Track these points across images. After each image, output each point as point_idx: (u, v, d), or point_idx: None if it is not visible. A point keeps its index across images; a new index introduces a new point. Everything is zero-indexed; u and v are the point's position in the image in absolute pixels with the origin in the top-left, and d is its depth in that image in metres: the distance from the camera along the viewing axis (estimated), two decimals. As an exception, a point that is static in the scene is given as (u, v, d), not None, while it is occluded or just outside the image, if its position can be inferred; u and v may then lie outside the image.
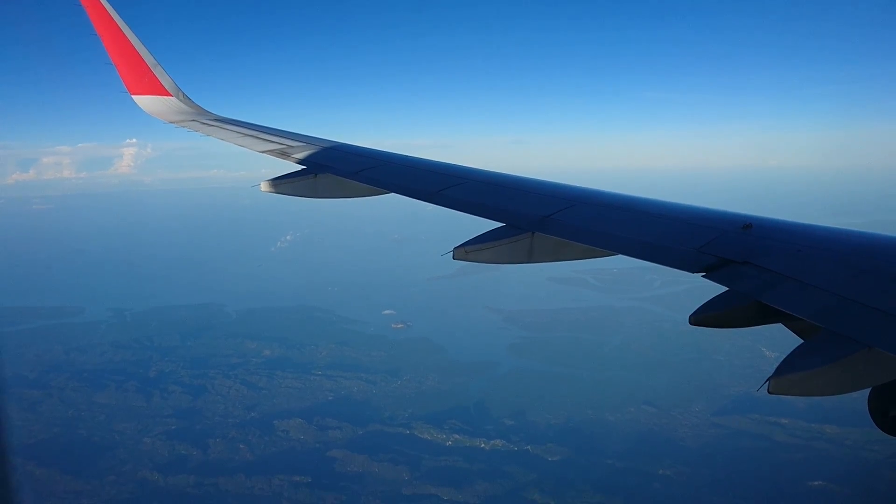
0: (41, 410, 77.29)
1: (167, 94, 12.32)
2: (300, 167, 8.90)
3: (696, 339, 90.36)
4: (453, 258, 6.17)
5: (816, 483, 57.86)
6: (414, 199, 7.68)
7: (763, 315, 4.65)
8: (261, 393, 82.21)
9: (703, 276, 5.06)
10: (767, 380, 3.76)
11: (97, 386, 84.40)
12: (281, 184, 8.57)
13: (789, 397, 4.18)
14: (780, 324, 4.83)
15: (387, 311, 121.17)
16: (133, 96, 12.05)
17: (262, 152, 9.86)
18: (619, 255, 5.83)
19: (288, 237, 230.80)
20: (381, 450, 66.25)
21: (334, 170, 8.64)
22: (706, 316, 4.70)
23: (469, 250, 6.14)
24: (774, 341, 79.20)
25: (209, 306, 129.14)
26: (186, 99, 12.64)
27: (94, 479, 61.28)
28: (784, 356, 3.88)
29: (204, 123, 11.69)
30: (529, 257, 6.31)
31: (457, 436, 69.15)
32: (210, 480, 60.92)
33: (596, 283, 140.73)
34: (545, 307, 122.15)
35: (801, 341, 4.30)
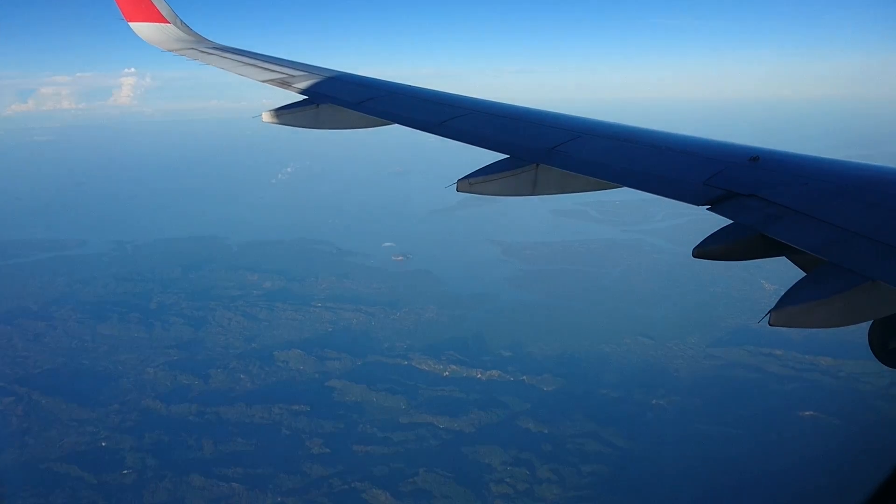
0: (45, 342, 78.49)
1: (164, 20, 12.05)
2: (302, 97, 8.84)
3: (696, 271, 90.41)
4: (457, 190, 6.24)
5: (808, 413, 58.55)
6: (417, 131, 7.69)
7: (767, 248, 4.67)
8: (261, 324, 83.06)
9: (708, 209, 5.08)
10: (769, 312, 3.76)
11: (100, 317, 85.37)
12: (283, 114, 8.53)
13: (786, 329, 4.17)
14: (784, 257, 4.88)
15: (387, 244, 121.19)
16: (129, 23, 11.75)
17: (263, 82, 9.73)
18: (623, 188, 5.83)
19: (289, 169, 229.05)
20: (380, 380, 67.28)
21: (336, 100, 8.58)
22: (710, 249, 4.71)
23: (473, 182, 6.19)
24: (775, 274, 79.07)
25: (210, 239, 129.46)
26: (184, 26, 12.34)
27: (99, 407, 62.59)
28: (784, 289, 3.90)
29: (203, 52, 11.42)
30: (533, 189, 6.35)
31: (454, 366, 70.03)
32: (211, 409, 62.15)
33: (598, 216, 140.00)
34: (546, 240, 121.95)
35: (804, 275, 4.26)
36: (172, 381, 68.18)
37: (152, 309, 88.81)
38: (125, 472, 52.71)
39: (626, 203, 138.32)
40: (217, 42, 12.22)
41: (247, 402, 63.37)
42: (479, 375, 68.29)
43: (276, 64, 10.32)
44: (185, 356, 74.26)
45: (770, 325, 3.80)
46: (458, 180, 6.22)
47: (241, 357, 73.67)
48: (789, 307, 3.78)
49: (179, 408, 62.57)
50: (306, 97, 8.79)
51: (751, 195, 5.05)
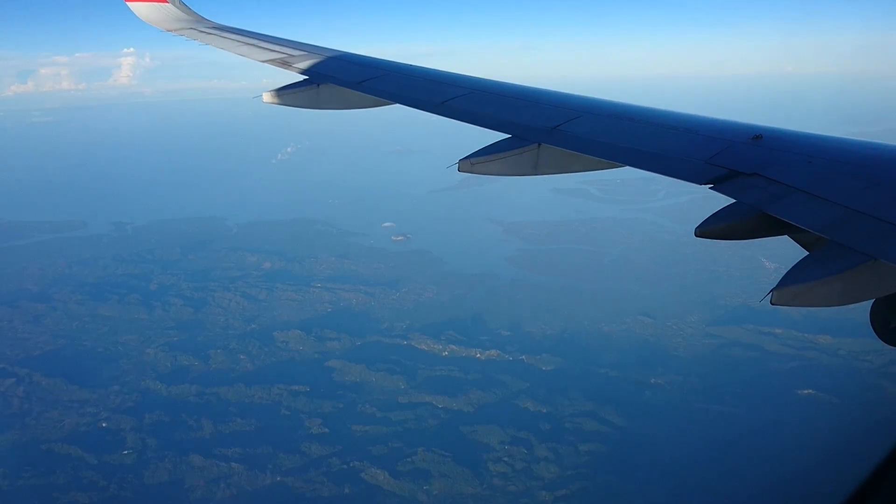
0: (46, 323, 78.64)
1: (162, 0, 12.04)
2: (302, 77, 8.89)
3: (697, 250, 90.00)
4: (458, 170, 6.24)
5: (806, 391, 58.54)
6: (418, 110, 7.71)
7: (769, 227, 4.68)
8: (260, 305, 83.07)
9: (710, 188, 5.10)
10: (770, 291, 3.77)
11: (100, 299, 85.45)
12: (283, 95, 8.59)
13: (786, 308, 4.06)
14: (786, 236, 4.90)
15: (387, 224, 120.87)
16: (127, 3, 11.67)
17: (263, 62, 9.73)
18: (625, 166, 5.85)
19: (289, 149, 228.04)
20: (379, 360, 67.32)
21: (337, 80, 8.62)
22: (712, 228, 4.72)
23: (475, 162, 6.21)
24: (776, 253, 78.65)
25: (210, 219, 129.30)
26: (182, 5, 12.28)
27: (99, 388, 62.85)
28: (785, 268, 3.91)
29: (202, 32, 11.38)
30: (535, 169, 6.35)
31: (453, 346, 70.01)
32: (211, 390, 62.34)
33: (599, 194, 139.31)
34: (547, 219, 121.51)
35: (807, 254, 4.27)
36: (172, 361, 68.34)
37: (152, 290, 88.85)
38: (125, 452, 53.03)
39: (627, 181, 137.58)
40: (216, 21, 12.12)
41: (246, 382, 63.53)
42: (478, 355, 68.28)
43: (276, 44, 10.29)
44: (185, 337, 74.34)
45: (772, 304, 3.81)
46: (460, 160, 6.21)
47: (240, 338, 73.75)
48: (791, 286, 3.78)
49: (179, 388, 62.76)
50: (307, 77, 8.80)
51: (753, 174, 5.05)
